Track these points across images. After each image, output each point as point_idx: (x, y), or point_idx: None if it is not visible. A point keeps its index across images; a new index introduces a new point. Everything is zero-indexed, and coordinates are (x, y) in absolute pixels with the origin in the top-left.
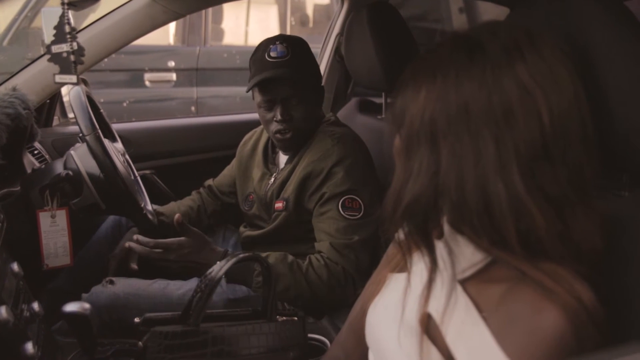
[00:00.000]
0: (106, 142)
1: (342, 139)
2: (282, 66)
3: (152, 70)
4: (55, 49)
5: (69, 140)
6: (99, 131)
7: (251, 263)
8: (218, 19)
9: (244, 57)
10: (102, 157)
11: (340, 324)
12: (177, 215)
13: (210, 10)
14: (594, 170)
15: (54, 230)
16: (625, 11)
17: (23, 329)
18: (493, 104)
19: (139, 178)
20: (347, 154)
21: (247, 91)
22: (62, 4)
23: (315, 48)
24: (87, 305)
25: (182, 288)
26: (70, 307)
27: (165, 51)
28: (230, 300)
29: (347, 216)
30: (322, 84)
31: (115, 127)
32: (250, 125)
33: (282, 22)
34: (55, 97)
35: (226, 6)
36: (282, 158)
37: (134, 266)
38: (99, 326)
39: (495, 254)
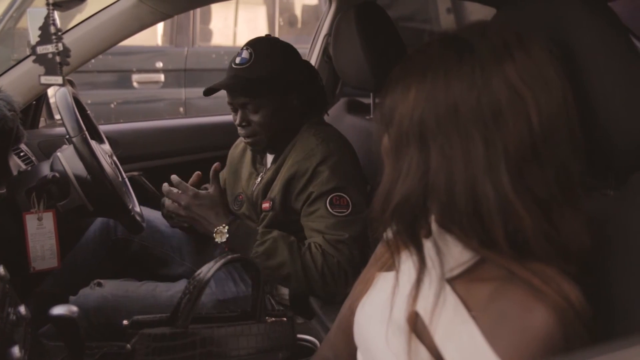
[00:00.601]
0: (93, 143)
1: (326, 138)
2: (237, 74)
3: (140, 71)
4: (40, 50)
5: (56, 142)
6: (86, 133)
7: (254, 233)
8: (206, 19)
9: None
10: (89, 159)
11: (329, 324)
12: (216, 163)
13: (198, 10)
14: (581, 171)
15: (40, 232)
16: (609, 12)
17: (9, 332)
18: (482, 104)
19: (126, 180)
20: (331, 152)
21: (205, 95)
22: (48, 4)
23: (303, 49)
24: (74, 308)
25: (171, 290)
26: (58, 310)
27: (153, 52)
28: (219, 302)
29: (335, 213)
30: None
31: (102, 128)
32: None
33: (271, 22)
34: (41, 99)
35: (214, 7)
36: (269, 158)
37: None
38: (87, 329)
39: (483, 254)
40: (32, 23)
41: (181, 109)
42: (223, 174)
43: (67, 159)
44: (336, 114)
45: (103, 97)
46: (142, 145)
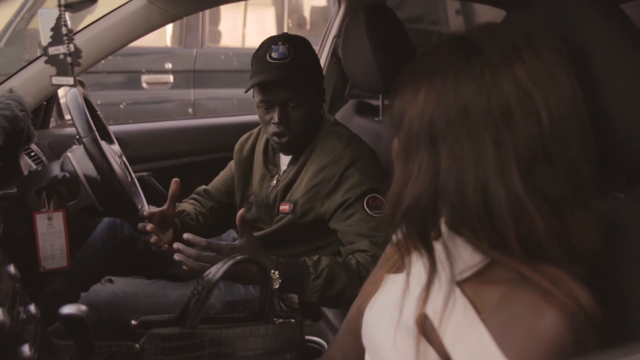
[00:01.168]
0: (103, 144)
1: (350, 141)
2: (281, 68)
3: (149, 72)
4: (52, 50)
5: (66, 142)
6: (96, 133)
7: (305, 267)
8: (215, 20)
9: (241, 59)
10: (99, 159)
11: (337, 326)
12: (241, 210)
13: (207, 12)
14: (592, 171)
15: (50, 232)
16: (621, 14)
17: (19, 331)
18: (492, 105)
19: (135, 180)
20: (358, 155)
21: (246, 91)
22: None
23: None
24: (83, 308)
25: (182, 289)
26: (67, 309)
27: (162, 53)
28: (228, 303)
29: (375, 215)
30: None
31: (112, 129)
32: (248, 127)
33: (280, 24)
34: (52, 99)
35: (223, 8)
36: (284, 159)
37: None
38: (97, 325)
39: (494, 256)
40: (43, 24)
41: (190, 110)
42: (229, 173)
43: (77, 159)
44: (345, 116)
45: (112, 97)
46: (151, 145)
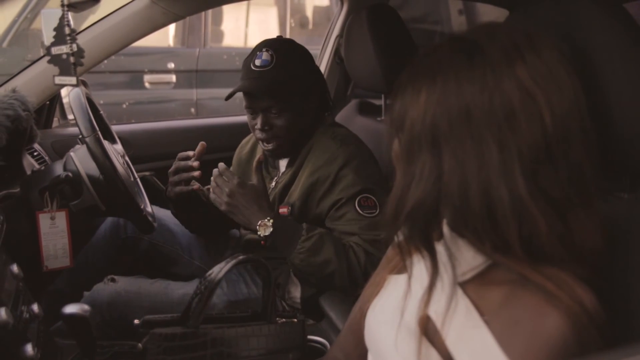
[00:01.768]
0: (106, 143)
1: (344, 141)
2: (261, 77)
3: (151, 71)
4: (54, 50)
5: (69, 142)
6: (99, 133)
7: (299, 228)
8: (218, 20)
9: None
10: (102, 159)
11: (340, 326)
12: (259, 156)
13: (209, 12)
14: (595, 172)
15: (53, 231)
16: (624, 14)
17: (23, 330)
18: (495, 106)
19: (138, 180)
20: (352, 155)
21: (226, 99)
22: (62, 5)
23: (314, 50)
24: (86, 307)
25: (184, 288)
26: (70, 308)
27: (165, 53)
28: (230, 303)
29: (366, 214)
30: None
31: (114, 128)
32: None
33: (282, 23)
34: (55, 99)
35: (226, 8)
36: (282, 161)
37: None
38: (100, 324)
39: (496, 258)
40: (46, 24)
41: (192, 110)
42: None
43: (80, 159)
44: (347, 116)
45: (115, 97)
46: (154, 145)
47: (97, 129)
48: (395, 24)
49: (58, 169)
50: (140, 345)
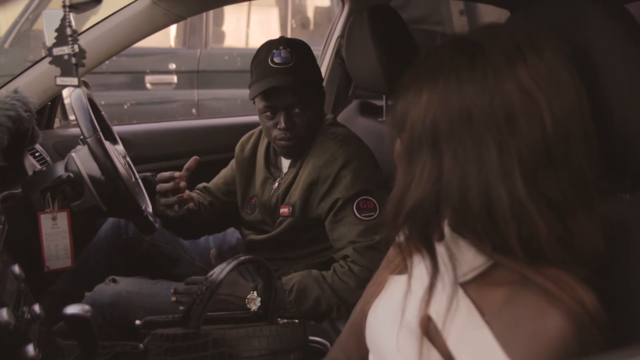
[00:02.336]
0: (107, 144)
1: (345, 141)
2: (285, 73)
3: (153, 72)
4: (56, 51)
5: (70, 143)
6: (100, 133)
7: (280, 287)
8: (219, 21)
9: (245, 59)
10: (103, 160)
11: (341, 326)
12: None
13: (211, 12)
14: (595, 173)
15: (55, 232)
16: (626, 14)
17: (24, 331)
18: (495, 108)
19: (139, 180)
20: (352, 156)
21: (251, 99)
22: (64, 6)
23: (316, 50)
24: (87, 308)
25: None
26: (71, 309)
27: (166, 53)
28: None
29: (363, 218)
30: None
31: (116, 129)
32: (252, 127)
33: (283, 24)
34: (56, 100)
35: (227, 8)
36: (285, 161)
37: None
38: (101, 324)
39: (497, 258)
40: (47, 25)
41: (194, 110)
42: (230, 172)
43: (82, 160)
44: (348, 116)
45: (116, 98)
46: (155, 146)
47: (99, 129)
48: (396, 24)
49: (59, 169)
50: (141, 345)
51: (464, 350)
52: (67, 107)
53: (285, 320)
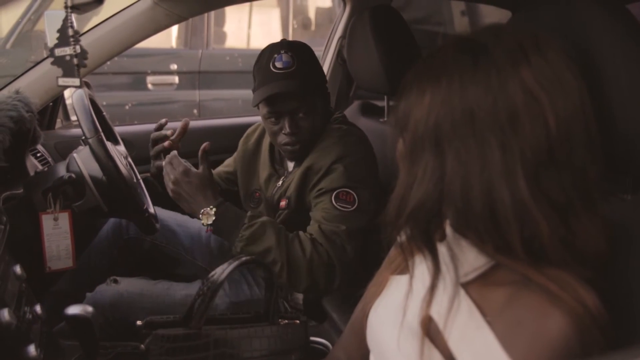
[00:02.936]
0: (109, 144)
1: (344, 137)
2: (288, 78)
3: (154, 73)
4: (58, 52)
5: (72, 143)
6: (102, 134)
7: (242, 216)
8: (220, 22)
9: (246, 59)
10: (105, 160)
11: (342, 327)
12: (206, 143)
13: (212, 13)
14: (598, 174)
15: (56, 232)
16: (627, 14)
17: (25, 331)
18: (498, 108)
19: (141, 181)
20: (347, 151)
21: (255, 105)
22: (65, 7)
23: (317, 51)
24: (89, 308)
25: (186, 289)
26: (73, 309)
27: (167, 54)
28: (232, 304)
29: (338, 207)
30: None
31: (117, 129)
32: None
33: (285, 25)
34: (58, 100)
35: (228, 9)
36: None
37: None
38: (103, 325)
39: (499, 259)
40: (49, 26)
41: (195, 111)
42: (233, 162)
43: (83, 160)
44: (350, 117)
45: (118, 98)
46: None
47: (100, 130)
48: (398, 25)
49: (61, 170)
50: (142, 346)
51: (465, 350)
52: (69, 107)
53: (286, 321)
